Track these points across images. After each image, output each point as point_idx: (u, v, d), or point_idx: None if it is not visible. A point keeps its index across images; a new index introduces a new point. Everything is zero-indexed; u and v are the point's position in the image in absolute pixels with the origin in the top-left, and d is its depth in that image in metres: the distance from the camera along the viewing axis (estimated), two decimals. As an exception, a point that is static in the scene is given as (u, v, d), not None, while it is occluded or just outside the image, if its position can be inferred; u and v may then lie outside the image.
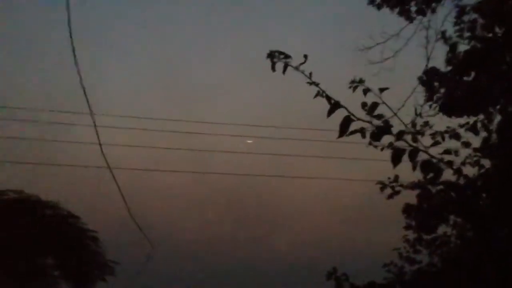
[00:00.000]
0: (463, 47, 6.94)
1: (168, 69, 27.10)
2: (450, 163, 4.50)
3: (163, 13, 28.46)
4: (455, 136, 5.20)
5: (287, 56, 4.10)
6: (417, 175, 5.49)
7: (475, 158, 6.04)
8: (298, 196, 23.41)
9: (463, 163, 5.95)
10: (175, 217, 23.13)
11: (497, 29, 6.53)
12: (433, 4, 7.85)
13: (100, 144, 10.13)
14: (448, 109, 6.39)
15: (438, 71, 6.95)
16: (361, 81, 3.94)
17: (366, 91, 3.89)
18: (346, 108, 3.82)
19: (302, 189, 22.70)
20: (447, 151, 4.29)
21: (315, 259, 19.52)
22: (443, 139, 5.13)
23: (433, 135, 5.32)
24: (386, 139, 3.85)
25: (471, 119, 6.12)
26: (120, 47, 28.75)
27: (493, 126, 6.11)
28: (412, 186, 6.47)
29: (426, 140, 4.02)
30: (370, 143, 4.11)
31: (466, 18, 7.29)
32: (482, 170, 5.99)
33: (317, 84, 3.97)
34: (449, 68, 6.79)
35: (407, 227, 7.05)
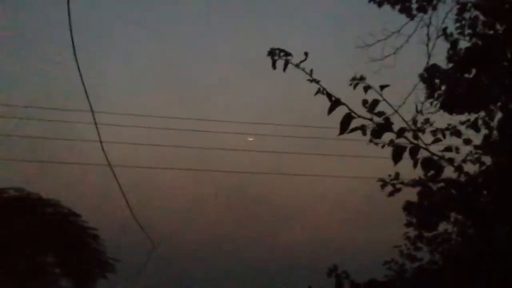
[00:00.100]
0: (464, 44, 6.94)
1: (169, 67, 27.10)
2: (451, 160, 4.50)
3: (164, 12, 28.48)
4: (456, 133, 5.20)
5: (287, 54, 4.10)
6: (418, 173, 5.51)
7: (476, 155, 6.04)
8: (299, 194, 23.44)
9: (464, 160, 5.95)
10: (177, 215, 23.14)
11: (498, 26, 6.51)
12: (434, 1, 7.84)
13: (101, 142, 10.14)
14: (449, 106, 6.37)
15: (439, 68, 6.94)
16: (361, 78, 3.95)
17: (366, 88, 3.89)
18: (346, 106, 3.82)
19: (303, 187, 22.73)
20: (448, 148, 4.30)
21: (316, 256, 19.52)
22: (444, 136, 5.13)
23: (434, 132, 5.32)
24: (387, 136, 3.85)
25: (472, 116, 6.11)
26: (121, 45, 28.84)
27: (494, 123, 6.10)
28: (413, 183, 6.47)
29: (427, 137, 4.02)
30: (370, 141, 4.11)
31: (467, 15, 7.28)
32: (483, 167, 5.98)
33: (317, 82, 3.97)
34: (450, 65, 6.78)
35: (408, 224, 7.04)
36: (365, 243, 20.25)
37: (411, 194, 6.57)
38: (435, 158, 3.87)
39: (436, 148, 4.04)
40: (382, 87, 3.83)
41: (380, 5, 7.97)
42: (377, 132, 3.79)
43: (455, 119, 6.17)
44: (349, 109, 3.79)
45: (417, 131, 3.91)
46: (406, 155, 3.77)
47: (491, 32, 6.65)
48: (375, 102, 3.78)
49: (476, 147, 5.97)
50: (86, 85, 8.70)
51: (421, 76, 7.23)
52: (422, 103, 7.21)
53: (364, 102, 3.81)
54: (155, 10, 28.92)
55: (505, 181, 5.59)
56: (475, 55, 5.89)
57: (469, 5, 7.26)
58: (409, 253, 7.33)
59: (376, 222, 20.07)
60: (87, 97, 8.94)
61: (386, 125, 3.78)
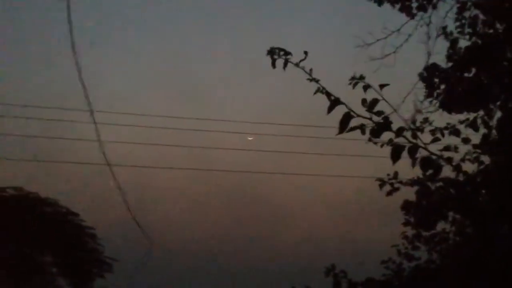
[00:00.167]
0: (464, 43, 6.94)
1: (169, 66, 27.10)
2: (449, 160, 4.50)
3: (164, 10, 28.46)
4: (455, 132, 5.19)
5: (287, 53, 4.10)
6: (417, 172, 5.50)
7: (474, 155, 6.04)
8: (298, 193, 23.44)
9: (463, 160, 5.95)
10: (176, 214, 23.14)
11: (498, 25, 6.52)
12: (434, 0, 7.83)
13: (99, 141, 10.13)
14: (448, 105, 6.38)
15: (439, 67, 6.95)
16: (361, 78, 3.94)
17: (366, 87, 3.89)
18: (346, 105, 3.81)
19: (302, 186, 22.72)
20: (447, 148, 4.30)
21: (314, 256, 19.54)
22: (443, 135, 5.12)
23: (432, 132, 5.31)
24: (386, 135, 3.84)
25: (471, 116, 6.11)
26: (121, 44, 28.78)
27: (493, 122, 6.11)
28: (411, 182, 6.48)
29: (425, 137, 4.01)
30: (369, 140, 4.11)
31: (467, 14, 7.28)
32: (482, 167, 5.99)
33: (317, 81, 3.97)
34: (450, 64, 6.78)
35: (406, 223, 7.05)
36: (363, 242, 20.27)
37: (409, 193, 6.58)
38: (434, 157, 3.87)
39: (435, 148, 4.04)
40: (382, 86, 3.82)
41: (380, 4, 7.96)
42: (376, 131, 3.78)
43: (454, 118, 6.17)
44: (348, 108, 3.78)
45: (416, 130, 3.90)
46: (404, 154, 3.77)
47: (491, 31, 6.66)
48: (375, 101, 3.77)
49: (475, 146, 5.97)
50: (85, 83, 8.68)
51: (420, 75, 7.23)
52: (421, 102, 7.23)
53: (364, 101, 3.80)
54: (155, 9, 28.92)
55: (503, 180, 5.60)
56: (475, 54, 5.89)
57: (469, 4, 7.27)
58: (407, 252, 7.33)
59: (375, 221, 20.09)
60: (86, 96, 8.93)
61: (385, 124, 3.77)
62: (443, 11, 7.81)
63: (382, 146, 4.00)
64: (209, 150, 20.29)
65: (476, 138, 5.93)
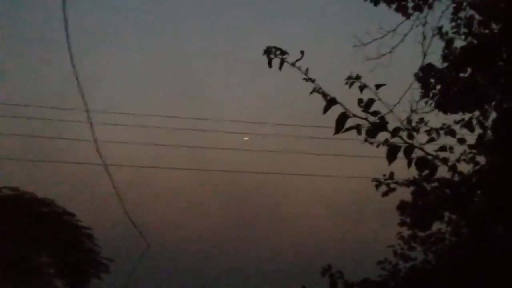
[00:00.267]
0: (459, 43, 6.95)
1: (166, 66, 27.09)
2: (445, 160, 4.51)
3: (163, 10, 28.44)
4: (451, 132, 5.20)
5: (283, 53, 4.10)
6: (412, 172, 5.51)
7: (470, 155, 6.05)
8: (295, 193, 23.45)
9: (458, 160, 5.96)
10: (173, 214, 23.12)
11: (493, 26, 6.53)
12: (430, 0, 7.84)
13: (95, 141, 10.11)
14: (443, 105, 6.39)
15: (434, 67, 6.95)
16: (357, 78, 3.94)
17: (362, 87, 3.89)
18: (342, 105, 3.81)
19: (298, 186, 22.73)
20: (442, 148, 4.30)
21: (311, 256, 19.54)
22: (439, 135, 5.14)
23: (428, 132, 5.33)
24: (382, 135, 3.84)
25: (467, 116, 6.12)
26: (119, 44, 28.73)
27: (488, 123, 6.12)
28: (407, 183, 6.48)
29: (421, 137, 4.02)
30: (365, 140, 4.11)
31: (462, 14, 7.29)
32: (477, 167, 6.00)
33: (313, 81, 3.97)
34: (445, 64, 6.79)
35: (402, 224, 7.05)
36: (359, 242, 20.28)
37: (405, 193, 6.58)
38: (430, 157, 3.87)
39: (430, 148, 4.04)
40: (378, 86, 3.83)
41: (376, 3, 7.97)
42: (372, 132, 3.78)
43: (449, 119, 6.18)
44: (344, 108, 3.78)
45: (412, 130, 3.91)
46: (400, 154, 3.77)
47: (487, 31, 6.67)
48: (371, 101, 3.77)
49: (470, 146, 5.98)
50: (82, 84, 8.67)
51: (416, 75, 7.24)
52: (417, 102, 7.23)
53: (360, 101, 3.80)
54: (154, 9, 28.91)
55: (499, 180, 5.61)
56: (470, 54, 5.90)
57: (464, 4, 7.28)
58: (403, 252, 7.33)
59: (371, 221, 20.11)
60: (82, 96, 8.91)
61: (381, 125, 3.78)
62: (439, 11, 7.81)
63: (378, 146, 4.00)
64: (206, 150, 20.28)
65: (471, 139, 5.95)
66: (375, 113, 3.79)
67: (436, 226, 6.80)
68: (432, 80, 6.92)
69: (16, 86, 23.10)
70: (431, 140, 4.14)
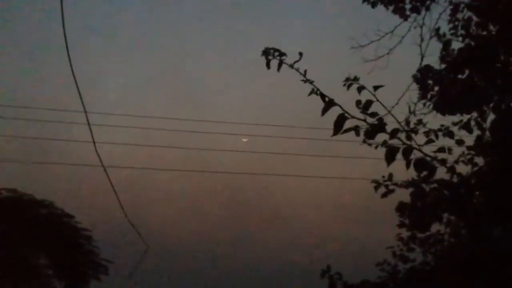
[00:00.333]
0: (457, 44, 6.96)
1: (165, 68, 27.10)
2: (443, 161, 4.51)
3: (163, 12, 28.45)
4: (449, 134, 5.20)
5: (281, 54, 4.10)
6: (411, 173, 5.51)
7: (468, 156, 6.05)
8: (293, 194, 23.46)
9: (457, 161, 5.96)
10: (172, 216, 23.12)
11: (491, 27, 6.54)
12: (427, 2, 7.85)
13: (94, 143, 10.10)
14: (441, 107, 6.39)
15: (432, 69, 6.96)
16: (355, 79, 3.94)
17: (360, 89, 3.89)
18: (340, 106, 3.82)
19: (298, 188, 22.74)
20: (441, 149, 4.30)
21: (309, 257, 19.54)
22: (437, 137, 5.13)
23: (426, 133, 5.32)
24: (380, 137, 3.84)
25: (465, 117, 6.13)
26: (118, 45, 28.72)
27: (487, 124, 6.12)
28: (406, 184, 6.48)
29: (419, 138, 4.02)
30: (364, 141, 4.11)
31: (460, 16, 7.30)
32: (476, 168, 6.00)
33: (311, 82, 3.97)
34: (443, 66, 6.79)
35: (401, 225, 7.05)
36: (358, 244, 20.29)
37: (404, 195, 6.58)
38: (428, 159, 3.87)
39: (429, 149, 4.05)
40: (376, 88, 3.83)
41: (373, 5, 7.98)
42: (371, 133, 3.78)
43: (447, 120, 6.18)
44: (343, 109, 3.78)
45: (410, 132, 3.91)
46: (399, 156, 3.77)
47: (484, 33, 6.68)
48: (369, 103, 3.78)
49: (468, 148, 5.98)
50: (80, 85, 8.65)
51: (414, 77, 7.25)
52: (415, 104, 7.23)
53: (358, 102, 3.80)
54: (153, 10, 28.93)
55: (497, 181, 5.61)
56: (468, 55, 5.90)
57: (462, 5, 7.29)
58: (402, 254, 7.33)
59: (369, 223, 20.12)
60: (81, 97, 8.90)
61: (380, 126, 3.78)
62: (437, 13, 7.83)
63: (376, 147, 4.00)
64: (205, 151, 20.28)
65: (470, 140, 5.95)
66: (373, 115, 3.79)
67: (435, 227, 6.80)
68: (430, 82, 6.92)
69: (14, 87, 23.10)
70: (429, 141, 4.14)
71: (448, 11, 7.54)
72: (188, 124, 19.83)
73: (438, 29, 7.63)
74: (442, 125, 5.43)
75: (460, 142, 5.67)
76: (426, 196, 6.20)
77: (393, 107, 7.31)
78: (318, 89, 3.93)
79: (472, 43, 6.48)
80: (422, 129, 5.62)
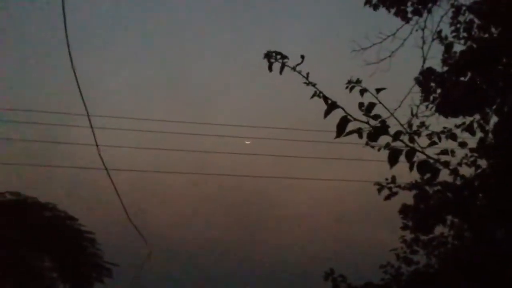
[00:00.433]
0: (458, 47, 6.97)
1: (167, 70, 27.15)
2: (446, 164, 4.51)
3: (164, 14, 28.50)
4: (452, 136, 5.21)
5: (284, 57, 4.11)
6: (414, 176, 5.51)
7: (471, 159, 6.06)
8: (296, 197, 23.43)
9: (460, 164, 5.97)
10: (175, 218, 23.12)
11: (493, 30, 6.55)
12: (429, 5, 7.86)
13: (97, 145, 10.12)
14: (444, 109, 6.39)
15: (434, 71, 6.97)
16: (357, 82, 3.95)
17: (363, 91, 3.89)
18: (343, 109, 3.82)
19: (300, 190, 22.72)
20: (444, 152, 4.30)
21: (313, 260, 19.51)
22: (440, 139, 5.14)
23: (429, 136, 5.33)
24: (383, 139, 3.85)
25: (467, 120, 6.13)
26: (120, 48, 28.76)
27: (489, 126, 6.13)
28: (409, 186, 6.49)
29: (422, 141, 4.02)
30: (367, 144, 4.11)
31: (462, 18, 7.31)
32: (479, 171, 6.00)
33: (314, 85, 3.98)
34: (445, 68, 6.81)
35: (404, 227, 7.05)
36: (361, 246, 20.25)
37: (407, 197, 6.58)
38: (431, 161, 3.87)
39: (432, 151, 4.05)
40: (378, 90, 3.83)
41: (375, 8, 7.99)
42: (373, 135, 3.78)
43: (450, 122, 6.19)
44: (346, 112, 3.79)
45: (413, 134, 3.91)
46: (402, 158, 3.77)
47: (486, 35, 6.69)
48: (371, 105, 3.78)
49: (471, 150, 5.99)
50: (82, 88, 8.68)
51: (416, 79, 7.25)
52: (418, 106, 7.25)
53: (360, 105, 3.81)
54: (154, 13, 28.97)
55: (501, 184, 5.61)
56: (470, 58, 5.91)
57: (464, 8, 7.30)
58: (406, 256, 7.33)
59: (373, 225, 20.09)
60: (83, 100, 8.93)
61: (382, 128, 3.78)
62: (438, 15, 7.84)
63: (379, 150, 4.00)
64: (208, 154, 20.30)
65: (472, 142, 5.95)
66: (376, 117, 3.80)
67: (438, 229, 6.80)
68: (432, 84, 6.93)
69: (16, 91, 23.18)
70: (432, 143, 4.14)
71: (450, 14, 7.57)
72: (190, 127, 19.84)
73: (440, 32, 7.65)
74: (444, 128, 5.43)
75: (463, 145, 5.67)
76: (429, 199, 6.21)
77: (395, 109, 7.34)
78: (320, 92, 3.94)
79: (474, 46, 6.49)
80: (425, 132, 5.64)
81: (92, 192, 20.34)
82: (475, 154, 6.01)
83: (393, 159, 3.74)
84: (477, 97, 5.95)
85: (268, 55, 4.11)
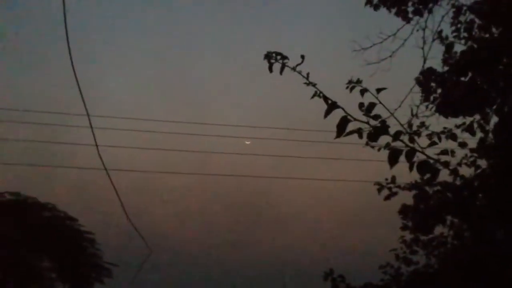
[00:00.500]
0: (459, 47, 6.97)
1: (167, 71, 27.16)
2: (446, 164, 4.51)
3: (164, 15, 28.51)
4: (452, 136, 5.21)
5: (284, 57, 4.10)
6: (414, 176, 5.51)
7: (471, 159, 6.06)
8: (296, 196, 23.44)
9: (460, 164, 5.96)
10: (175, 219, 23.12)
11: (493, 30, 6.55)
12: (430, 5, 7.86)
13: (96, 146, 10.10)
14: (444, 109, 6.40)
15: (435, 71, 6.97)
16: (358, 82, 3.94)
17: (363, 91, 3.89)
18: (343, 109, 3.81)
19: (301, 190, 22.73)
20: (444, 152, 4.30)
21: (312, 259, 19.52)
22: (440, 139, 5.14)
23: (429, 136, 5.32)
24: (383, 139, 3.84)
25: (468, 120, 6.13)
26: (120, 48, 28.78)
27: (490, 126, 6.13)
28: (409, 187, 6.49)
29: (422, 141, 4.01)
30: (367, 144, 4.11)
31: (462, 18, 7.31)
32: (479, 171, 6.00)
33: (314, 85, 3.97)
34: (446, 68, 6.81)
35: (404, 228, 7.05)
36: (361, 246, 20.26)
37: (407, 197, 6.59)
38: (431, 161, 3.86)
39: (432, 152, 4.04)
40: (379, 90, 3.83)
41: (376, 8, 7.99)
42: (374, 135, 3.77)
43: (450, 122, 6.19)
44: (346, 112, 3.78)
45: (413, 134, 3.90)
46: (402, 158, 3.77)
47: (487, 35, 6.69)
48: (372, 105, 3.77)
49: (471, 150, 5.99)
50: (82, 88, 8.66)
51: (417, 80, 7.25)
52: (418, 106, 7.25)
53: (361, 105, 3.80)
54: (154, 14, 28.98)
55: (500, 184, 5.61)
56: (470, 58, 5.91)
57: (464, 8, 7.30)
58: (405, 256, 7.33)
59: (373, 225, 20.10)
60: (83, 100, 8.92)
61: (383, 128, 3.77)
62: (439, 15, 7.84)
63: (379, 150, 4.00)
64: (208, 154, 20.30)
65: (472, 143, 5.95)
66: (376, 117, 3.79)
67: (438, 229, 6.80)
68: (433, 84, 6.93)
69: (16, 91, 23.18)
70: (432, 144, 4.13)
71: (451, 14, 7.57)
72: (190, 127, 19.84)
73: (440, 32, 7.65)
74: (445, 128, 5.43)
75: (463, 145, 5.67)
76: (429, 199, 6.21)
77: (396, 109, 7.34)
78: (321, 92, 3.93)
79: (475, 46, 6.49)
80: (425, 132, 5.63)
81: (92, 192, 20.34)
82: (475, 154, 6.01)
83: (393, 159, 3.73)
84: (477, 97, 5.95)
85: (268, 56, 4.10)
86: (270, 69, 4.09)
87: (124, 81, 27.90)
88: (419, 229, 6.89)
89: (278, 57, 4.09)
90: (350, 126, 3.78)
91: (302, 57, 4.01)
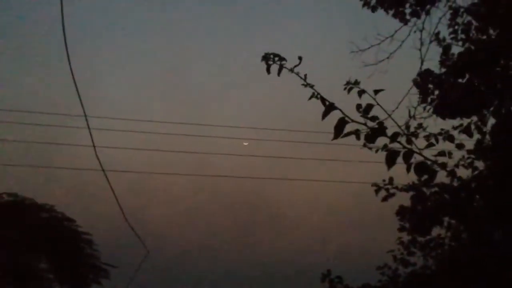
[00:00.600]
0: (456, 49, 6.98)
1: (166, 72, 27.14)
2: (444, 165, 4.52)
3: (163, 15, 28.51)
4: (449, 138, 5.22)
5: (281, 59, 4.10)
6: (412, 177, 5.51)
7: (468, 160, 6.07)
8: (295, 198, 23.46)
9: (457, 165, 5.98)
10: (173, 220, 23.12)
11: (491, 31, 6.57)
12: (427, 6, 7.87)
13: (94, 147, 10.10)
14: (442, 111, 6.41)
15: (433, 73, 6.97)
16: (356, 83, 3.95)
17: (361, 92, 3.89)
18: (341, 110, 3.82)
19: (298, 192, 22.74)
20: (441, 153, 4.30)
21: (310, 261, 19.52)
22: (437, 141, 5.14)
23: (427, 137, 5.33)
24: (381, 141, 3.84)
25: (465, 121, 6.14)
26: (118, 49, 28.77)
27: (487, 128, 6.15)
28: (407, 188, 6.49)
29: (420, 142, 4.02)
30: (364, 145, 4.11)
31: (460, 20, 7.33)
32: (476, 172, 6.01)
33: (311, 86, 3.98)
34: (443, 70, 6.81)
35: (401, 229, 7.06)
36: (359, 247, 20.28)
37: (404, 198, 6.59)
38: (429, 162, 3.87)
39: (429, 153, 4.05)
40: (376, 92, 3.83)
41: (373, 10, 8.00)
42: (371, 137, 3.78)
43: (448, 124, 6.20)
44: (343, 113, 3.78)
45: (411, 135, 3.91)
46: (399, 159, 3.77)
47: (484, 37, 6.70)
48: (369, 107, 3.77)
49: (469, 151, 6.00)
50: (80, 89, 8.66)
51: (414, 81, 7.26)
52: (415, 107, 7.26)
53: (358, 106, 3.81)
54: (154, 13, 28.97)
55: (498, 185, 5.62)
56: (468, 60, 5.92)
57: (462, 10, 7.31)
58: (403, 257, 7.34)
59: (370, 227, 20.12)
60: (81, 101, 8.91)
61: (380, 130, 3.77)
62: (436, 17, 7.86)
63: (377, 151, 4.00)
64: (206, 155, 20.30)
65: (470, 144, 5.97)
66: (373, 119, 3.79)
67: (435, 231, 6.81)
68: (430, 86, 6.93)
69: (14, 92, 23.15)
70: (430, 145, 4.14)
71: (448, 16, 7.58)
72: (188, 128, 19.84)
73: (438, 34, 7.66)
74: (442, 129, 5.44)
75: (460, 146, 5.68)
76: (426, 200, 6.22)
77: (393, 111, 7.35)
78: (318, 93, 3.93)
79: (472, 47, 6.50)
80: (422, 133, 5.65)
81: (89, 193, 20.33)
82: (473, 156, 6.02)
83: (390, 161, 3.74)
84: (475, 99, 5.96)
85: (265, 58, 4.10)
86: (268, 71, 4.09)
87: (122, 81, 27.89)
88: (417, 231, 6.90)
89: (276, 58, 4.09)
90: (348, 128, 3.78)
91: (300, 58, 4.02)
